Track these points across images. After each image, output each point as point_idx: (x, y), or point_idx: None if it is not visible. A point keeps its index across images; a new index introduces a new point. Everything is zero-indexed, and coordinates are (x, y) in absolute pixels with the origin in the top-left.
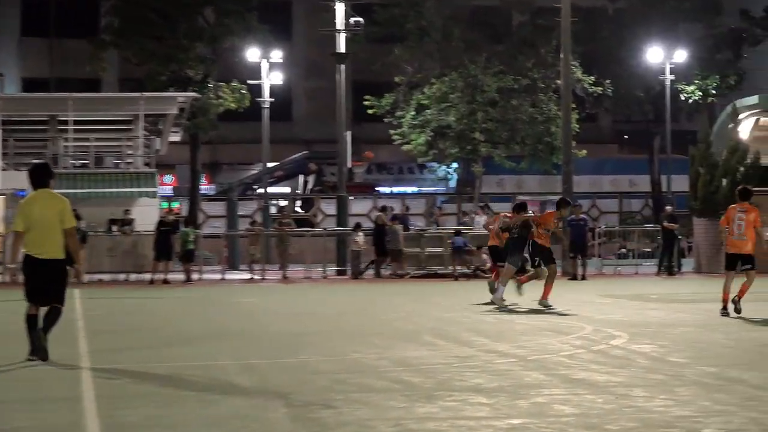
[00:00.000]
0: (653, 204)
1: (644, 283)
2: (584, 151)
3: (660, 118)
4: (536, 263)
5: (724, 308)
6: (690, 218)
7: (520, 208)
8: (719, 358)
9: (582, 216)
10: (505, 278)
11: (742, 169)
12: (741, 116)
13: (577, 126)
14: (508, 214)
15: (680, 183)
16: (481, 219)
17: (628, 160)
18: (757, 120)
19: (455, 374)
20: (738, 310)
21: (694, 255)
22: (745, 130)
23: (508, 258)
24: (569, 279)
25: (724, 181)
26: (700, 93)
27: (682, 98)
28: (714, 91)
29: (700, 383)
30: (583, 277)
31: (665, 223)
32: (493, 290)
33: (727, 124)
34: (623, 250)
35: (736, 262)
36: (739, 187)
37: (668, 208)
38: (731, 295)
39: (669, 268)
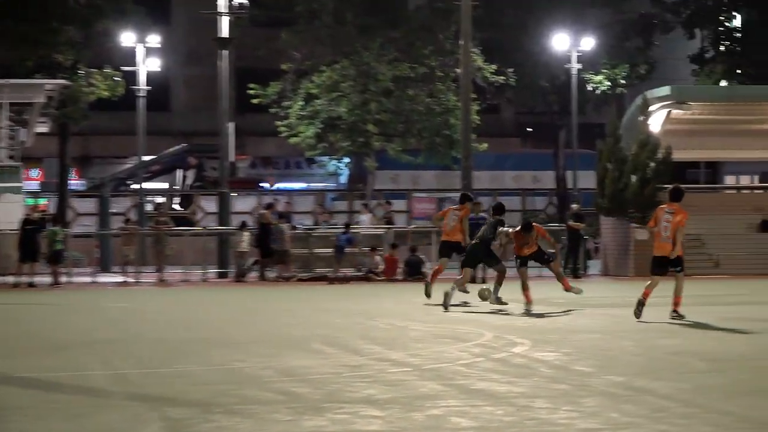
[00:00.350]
0: (558, 202)
1: (548, 287)
2: (485, 145)
3: (566, 109)
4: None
5: (640, 306)
6: (597, 217)
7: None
8: (627, 367)
9: (482, 215)
10: (498, 284)
11: (652, 164)
12: (652, 108)
13: (478, 118)
14: (454, 208)
15: (587, 179)
16: (366, 218)
17: (532, 154)
18: (669, 112)
19: (345, 385)
20: (680, 316)
21: (601, 256)
22: (656, 123)
23: (495, 263)
24: (469, 282)
25: (634, 178)
26: (609, 83)
27: (590, 88)
28: (623, 81)
29: (607, 394)
30: (483, 281)
31: (571, 223)
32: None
33: (636, 116)
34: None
35: (663, 266)
36: (671, 187)
37: (574, 206)
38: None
39: (574, 270)
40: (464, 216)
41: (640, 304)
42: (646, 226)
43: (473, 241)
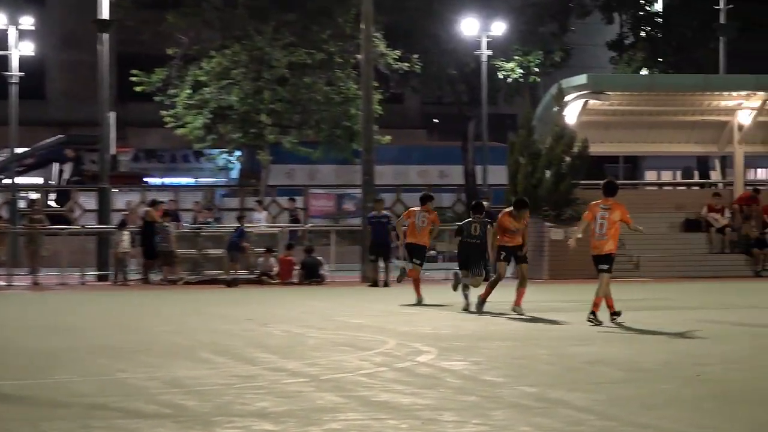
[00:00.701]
0: (467, 198)
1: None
2: (388, 137)
3: (475, 99)
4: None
5: (615, 314)
6: None
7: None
8: (540, 377)
9: (384, 213)
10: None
11: (568, 159)
12: (567, 98)
13: (380, 108)
14: (421, 210)
15: (498, 175)
16: (261, 215)
17: (439, 147)
18: (586, 102)
19: (236, 397)
20: (617, 314)
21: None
22: (571, 114)
23: (476, 267)
24: (369, 285)
25: (548, 173)
26: (521, 71)
27: (501, 77)
28: (537, 69)
29: (519, 405)
30: (386, 283)
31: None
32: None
33: (551, 107)
34: (432, 252)
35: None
36: (604, 182)
37: (484, 203)
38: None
39: (486, 273)
40: (435, 219)
41: (615, 314)
42: (580, 220)
43: (471, 241)
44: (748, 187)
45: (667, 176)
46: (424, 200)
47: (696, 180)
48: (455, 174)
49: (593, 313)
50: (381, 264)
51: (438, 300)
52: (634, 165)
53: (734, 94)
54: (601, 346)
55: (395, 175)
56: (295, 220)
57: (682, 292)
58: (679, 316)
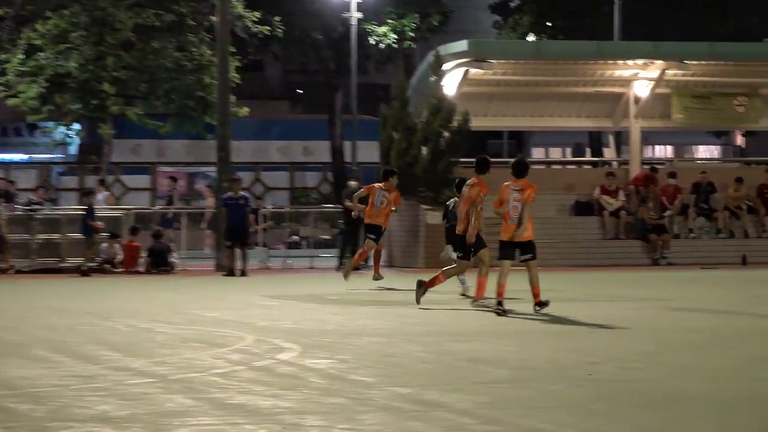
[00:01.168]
0: (334, 178)
1: (321, 281)
2: (246, 109)
3: (343, 67)
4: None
5: (500, 304)
6: None
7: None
8: (415, 377)
9: (242, 193)
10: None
11: (446, 134)
12: (446, 67)
13: (238, 76)
14: (381, 187)
15: (368, 151)
16: (102, 196)
17: (303, 121)
18: (467, 72)
19: (75, 399)
20: (543, 303)
21: (385, 244)
22: (451, 84)
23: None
24: (225, 275)
25: (424, 150)
26: (395, 36)
27: (372, 42)
28: (412, 34)
29: (391, 408)
30: (243, 273)
31: (349, 203)
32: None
33: (428, 76)
34: (295, 238)
35: (513, 251)
36: (514, 161)
37: (353, 183)
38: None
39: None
40: (396, 199)
41: (499, 305)
42: (494, 208)
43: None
44: (644, 166)
45: (556, 154)
46: (386, 175)
47: (588, 158)
48: (321, 150)
49: (537, 303)
50: (237, 251)
51: (303, 291)
52: (519, 141)
53: (630, 63)
54: (483, 343)
55: (254, 152)
56: (171, 201)
57: (572, 282)
58: (569, 309)
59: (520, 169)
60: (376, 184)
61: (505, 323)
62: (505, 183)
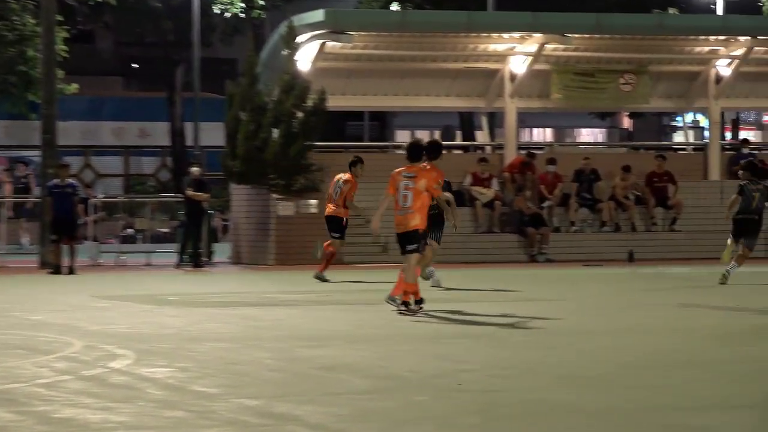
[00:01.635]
0: (174, 164)
1: (160, 279)
2: (75, 86)
3: (185, 40)
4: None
5: (419, 301)
6: (226, 185)
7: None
8: (264, 387)
9: (70, 181)
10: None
11: (300, 115)
12: (300, 39)
13: (65, 49)
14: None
15: (213, 134)
16: None
17: (139, 99)
18: (323, 45)
19: None
20: (406, 305)
21: (231, 238)
22: (305, 58)
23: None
24: (50, 272)
25: (276, 132)
26: (242, 4)
27: (217, 11)
28: (262, 2)
29: (237, 422)
30: (71, 270)
31: (190, 192)
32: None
33: (280, 50)
34: (130, 231)
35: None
36: (408, 144)
37: (195, 169)
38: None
39: (195, 256)
40: (353, 187)
41: (418, 302)
42: (385, 192)
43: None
44: (521, 152)
45: (422, 137)
46: (352, 164)
47: (458, 142)
48: (159, 133)
49: (405, 303)
50: (64, 245)
51: (139, 291)
52: (382, 123)
53: (505, 36)
54: (340, 349)
55: (83, 134)
56: (26, 189)
57: (441, 280)
58: (436, 312)
59: (414, 153)
60: (338, 176)
61: (365, 327)
62: (398, 169)
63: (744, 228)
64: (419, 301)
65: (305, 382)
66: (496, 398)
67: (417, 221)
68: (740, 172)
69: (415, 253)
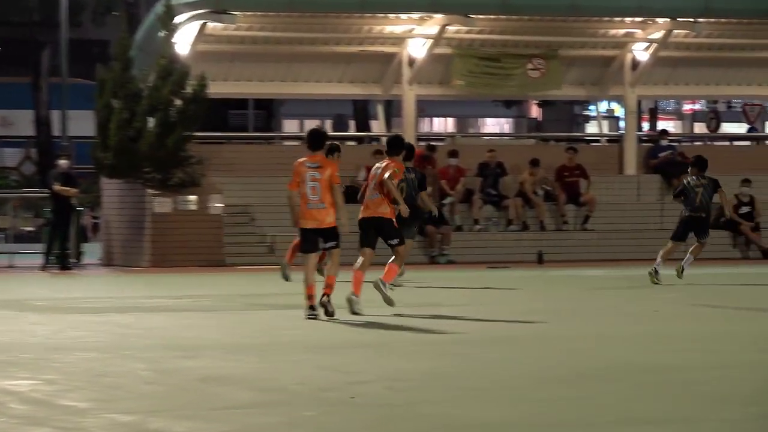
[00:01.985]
0: (39, 156)
1: (24, 283)
2: None
3: (51, 19)
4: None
5: (311, 307)
6: (98, 179)
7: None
8: (138, 401)
9: None
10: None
11: (179, 102)
12: (179, 19)
13: None
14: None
15: (82, 122)
16: None
17: (0, 85)
18: (204, 26)
19: None
20: (330, 313)
21: (103, 238)
22: (184, 41)
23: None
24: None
25: (152, 122)
26: None
27: None
28: None
29: None
30: None
31: (57, 187)
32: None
33: (156, 31)
34: None
35: (316, 241)
36: (309, 132)
37: (62, 162)
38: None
39: (62, 258)
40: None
41: (311, 308)
42: (287, 188)
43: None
44: (420, 143)
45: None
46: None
47: (351, 133)
48: (23, 121)
49: (326, 295)
50: None
51: (0, 295)
52: (268, 112)
53: (403, 17)
54: (220, 359)
55: None
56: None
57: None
58: (328, 319)
59: (315, 141)
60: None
61: (248, 335)
62: (300, 160)
63: (692, 227)
64: (312, 308)
65: (182, 396)
66: (393, 413)
67: (332, 217)
68: (689, 168)
69: (336, 248)
